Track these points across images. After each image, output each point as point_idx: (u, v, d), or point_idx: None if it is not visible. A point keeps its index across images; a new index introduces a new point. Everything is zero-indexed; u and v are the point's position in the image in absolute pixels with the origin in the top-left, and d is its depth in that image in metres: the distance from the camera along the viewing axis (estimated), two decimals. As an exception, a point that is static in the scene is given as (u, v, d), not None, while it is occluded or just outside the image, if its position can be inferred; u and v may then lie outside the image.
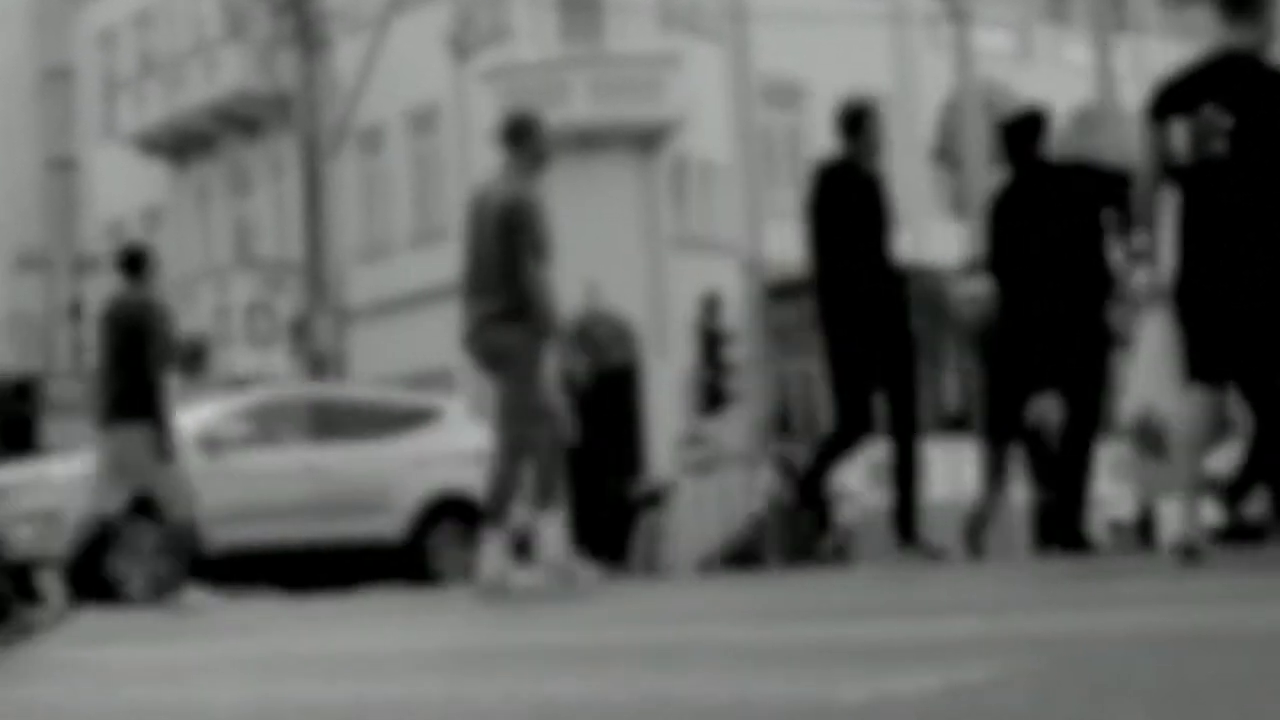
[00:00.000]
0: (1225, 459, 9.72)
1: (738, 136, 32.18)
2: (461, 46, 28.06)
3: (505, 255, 8.37)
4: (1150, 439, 8.45)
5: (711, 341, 27.31)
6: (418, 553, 14.70)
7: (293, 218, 31.17)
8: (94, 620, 8.88)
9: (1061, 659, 3.04)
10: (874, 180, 8.88)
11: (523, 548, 10.32)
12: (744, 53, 32.17)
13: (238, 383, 24.85)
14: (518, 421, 8.41)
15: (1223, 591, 5.05)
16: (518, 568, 10.50)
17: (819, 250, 8.88)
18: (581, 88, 29.66)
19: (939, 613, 5.00)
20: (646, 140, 29.93)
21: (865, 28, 32.65)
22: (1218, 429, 6.88)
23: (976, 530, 9.28)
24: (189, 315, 29.33)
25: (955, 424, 26.78)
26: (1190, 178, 6.43)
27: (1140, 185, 6.71)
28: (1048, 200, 8.76)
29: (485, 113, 30.40)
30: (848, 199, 8.80)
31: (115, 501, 10.71)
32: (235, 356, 31.12)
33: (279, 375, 28.35)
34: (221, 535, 13.57)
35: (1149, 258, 6.85)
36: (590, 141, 29.73)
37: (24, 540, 12.78)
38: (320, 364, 25.19)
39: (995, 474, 9.17)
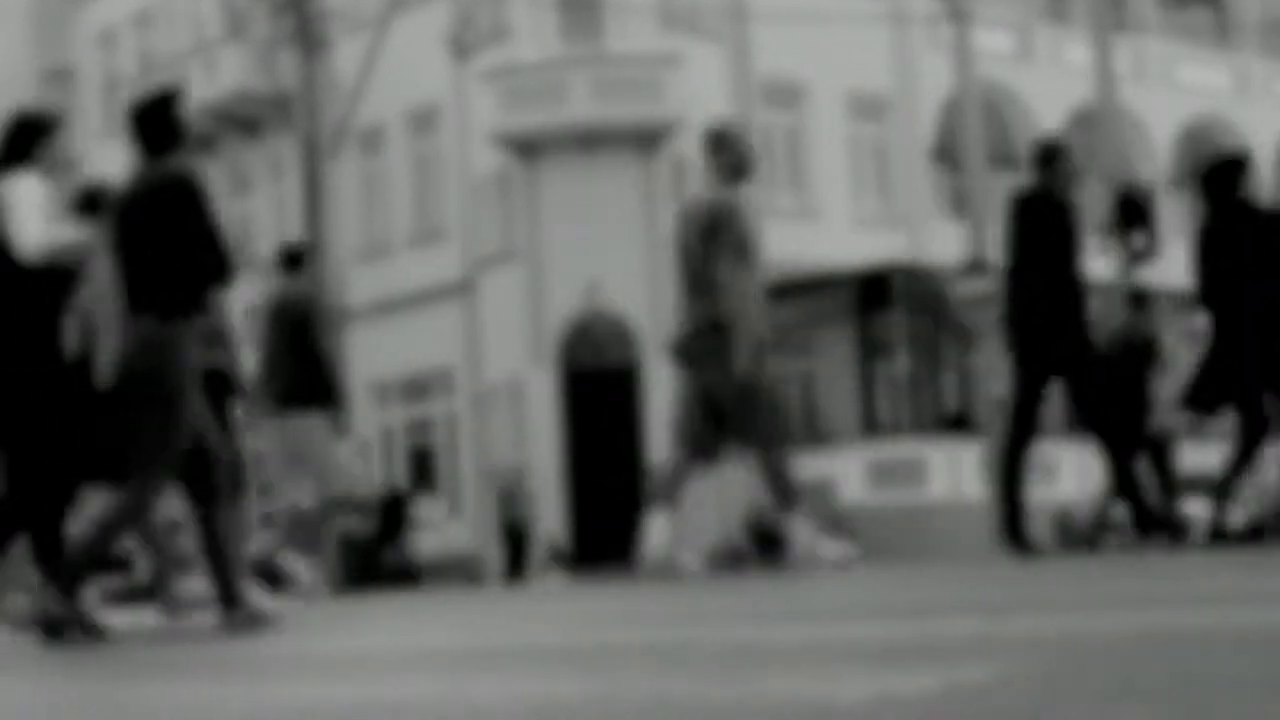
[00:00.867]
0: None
1: (738, 136, 32.16)
2: (461, 46, 28.05)
3: (709, 258, 8.88)
4: None
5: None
6: None
7: (293, 218, 31.20)
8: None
9: (1062, 659, 3.03)
10: (1065, 207, 9.88)
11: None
12: (744, 53, 32.16)
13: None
14: (757, 415, 8.76)
15: (1223, 591, 5.05)
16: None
17: (1015, 268, 9.82)
18: (581, 88, 29.66)
19: (939, 613, 5.00)
20: (646, 140, 29.92)
21: (865, 28, 32.66)
22: None
23: (1097, 532, 10.50)
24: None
25: (955, 424, 26.77)
26: None
27: None
28: (1252, 241, 9.75)
29: (485, 113, 30.43)
30: (1042, 224, 9.77)
31: (305, 496, 11.14)
32: (235, 357, 31.13)
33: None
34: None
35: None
36: (590, 141, 29.74)
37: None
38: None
39: (1125, 480, 9.72)
